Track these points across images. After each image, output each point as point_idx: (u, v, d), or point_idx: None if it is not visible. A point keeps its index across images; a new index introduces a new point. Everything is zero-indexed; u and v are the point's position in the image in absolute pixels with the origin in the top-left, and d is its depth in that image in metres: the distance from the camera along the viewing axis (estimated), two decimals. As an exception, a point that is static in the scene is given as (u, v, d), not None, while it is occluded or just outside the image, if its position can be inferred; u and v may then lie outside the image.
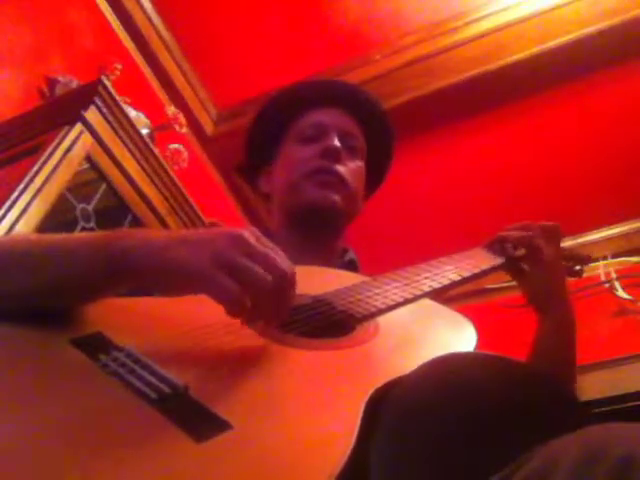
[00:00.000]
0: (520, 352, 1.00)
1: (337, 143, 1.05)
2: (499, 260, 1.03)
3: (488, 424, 0.51)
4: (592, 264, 2.19)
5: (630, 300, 2.29)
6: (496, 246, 1.06)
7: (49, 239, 0.68)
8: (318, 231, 1.06)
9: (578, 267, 1.16)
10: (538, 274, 1.03)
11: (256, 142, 1.17)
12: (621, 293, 2.33)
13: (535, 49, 2.32)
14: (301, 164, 1.06)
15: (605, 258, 2.42)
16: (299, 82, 1.18)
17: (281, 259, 0.62)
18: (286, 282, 0.62)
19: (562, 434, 0.45)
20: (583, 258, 1.18)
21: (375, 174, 1.18)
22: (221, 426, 0.50)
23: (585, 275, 1.27)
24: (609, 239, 2.51)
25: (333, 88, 1.18)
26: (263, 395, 0.57)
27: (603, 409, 1.91)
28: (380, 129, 1.17)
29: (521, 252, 1.04)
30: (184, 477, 0.45)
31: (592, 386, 1.97)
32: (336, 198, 1.03)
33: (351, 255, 1.11)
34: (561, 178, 2.51)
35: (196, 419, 0.51)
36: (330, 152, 1.05)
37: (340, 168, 1.05)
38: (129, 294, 0.68)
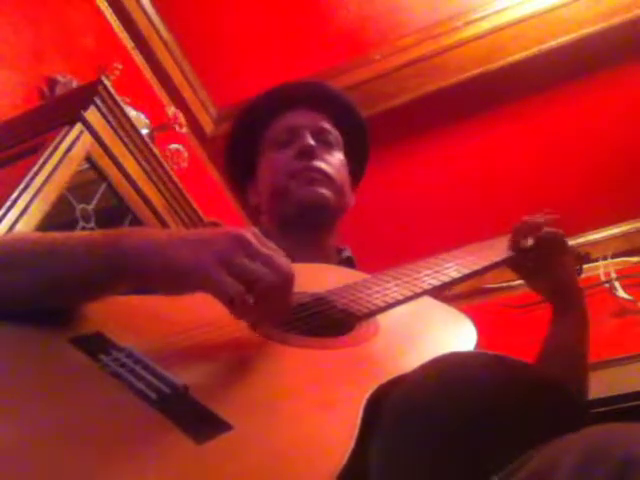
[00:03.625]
0: (520, 352, 1.00)
1: (311, 141, 1.07)
2: (503, 255, 1.03)
3: (488, 424, 0.51)
4: (592, 264, 2.19)
5: (630, 300, 2.28)
6: (503, 240, 1.06)
7: (50, 238, 0.68)
8: (312, 230, 1.06)
9: (577, 266, 1.16)
10: (554, 266, 1.05)
11: (236, 157, 1.19)
12: (621, 293, 2.32)
13: (535, 49, 2.32)
14: (281, 169, 1.07)
15: (605, 258, 2.41)
16: (262, 93, 1.18)
17: (281, 259, 0.63)
18: (286, 281, 0.62)
19: (563, 434, 0.45)
20: (582, 256, 1.18)
21: (356, 165, 1.19)
22: (221, 427, 0.50)
23: (585, 275, 1.27)
24: (609, 239, 2.50)
25: (296, 89, 1.19)
26: (263, 395, 0.57)
27: (603, 409, 1.91)
28: (351, 119, 1.18)
29: (529, 243, 1.04)
30: (183, 479, 0.45)
31: (592, 386, 1.96)
32: (325, 192, 1.03)
33: (348, 253, 1.11)
34: (561, 178, 2.51)
35: (196, 420, 0.51)
36: (306, 151, 1.06)
37: (320, 164, 1.05)
38: (130, 293, 0.68)
